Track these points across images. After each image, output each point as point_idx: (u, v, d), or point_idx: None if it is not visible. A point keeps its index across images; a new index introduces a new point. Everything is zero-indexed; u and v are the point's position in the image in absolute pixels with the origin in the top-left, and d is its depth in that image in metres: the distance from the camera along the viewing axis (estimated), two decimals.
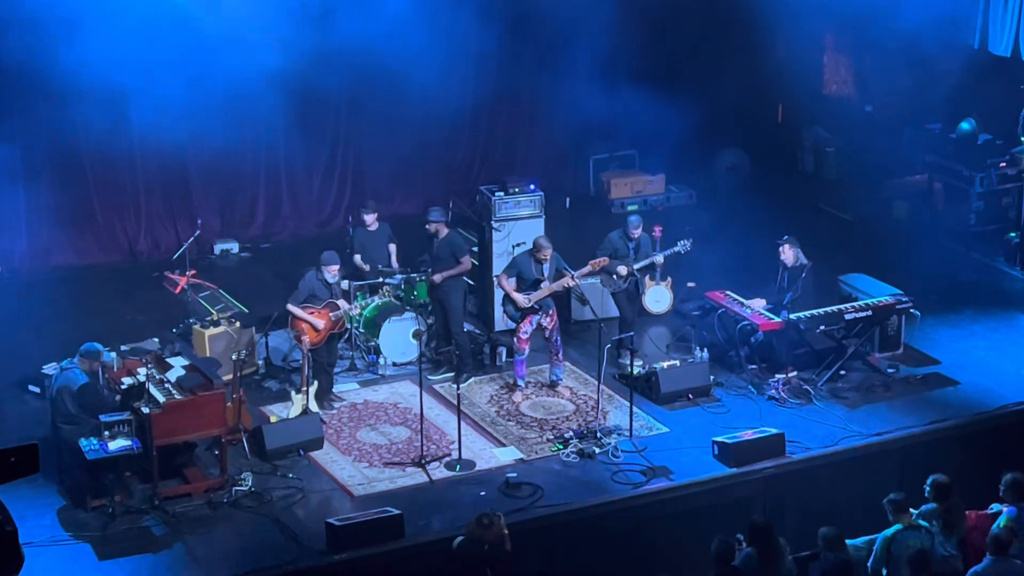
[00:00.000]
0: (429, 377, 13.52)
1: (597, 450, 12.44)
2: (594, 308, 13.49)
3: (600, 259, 13.77)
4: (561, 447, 12.54)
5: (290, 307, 13.05)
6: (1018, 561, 9.89)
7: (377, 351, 14.03)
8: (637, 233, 14.04)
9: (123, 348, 13.60)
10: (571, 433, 12.71)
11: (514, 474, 12.03)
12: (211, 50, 14.86)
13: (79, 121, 15.67)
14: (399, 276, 14.35)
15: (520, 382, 13.61)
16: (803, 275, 13.81)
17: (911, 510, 10.39)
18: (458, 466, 12.21)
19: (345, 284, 13.91)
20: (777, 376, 13.46)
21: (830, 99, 19.57)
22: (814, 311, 13.66)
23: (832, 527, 10.19)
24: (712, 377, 13.58)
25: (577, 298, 14.48)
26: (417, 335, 13.03)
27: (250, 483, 11.75)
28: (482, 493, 11.80)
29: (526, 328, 13.42)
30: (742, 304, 13.91)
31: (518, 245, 14.45)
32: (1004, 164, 17.13)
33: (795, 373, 13.51)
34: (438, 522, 11.34)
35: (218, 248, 16.98)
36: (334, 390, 13.49)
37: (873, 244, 16.67)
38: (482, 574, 9.86)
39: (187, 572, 10.76)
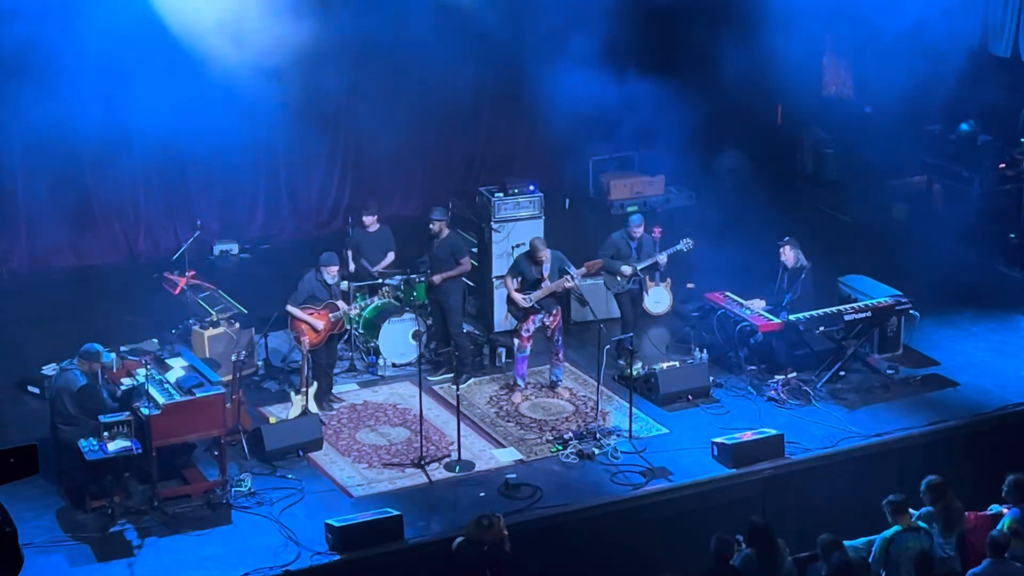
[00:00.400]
0: (428, 378, 13.51)
1: (596, 451, 12.45)
2: (594, 309, 13.49)
3: (595, 261, 13.77)
4: (560, 448, 12.54)
5: (289, 308, 13.05)
6: (1016, 563, 9.90)
7: (376, 352, 14.02)
8: (639, 233, 14.03)
9: (122, 349, 13.56)
10: (570, 434, 12.71)
11: (513, 475, 12.02)
12: (211, 49, 14.84)
13: (79, 121, 15.63)
14: (398, 277, 14.34)
15: (520, 381, 13.60)
16: (803, 276, 13.81)
17: (911, 512, 10.40)
18: (457, 467, 12.21)
19: (344, 285, 13.91)
20: (776, 377, 13.46)
21: (830, 100, 19.54)
22: (813, 312, 13.66)
23: (830, 534, 10.16)
24: (711, 378, 13.59)
25: (577, 299, 14.47)
26: (416, 336, 13.03)
27: (249, 484, 11.74)
28: (481, 494, 11.79)
29: (528, 327, 13.42)
30: (741, 305, 13.91)
31: (517, 246, 14.45)
32: (1003, 165, 17.13)
33: (794, 374, 13.51)
34: (438, 523, 11.33)
35: (217, 249, 16.97)
36: (333, 391, 13.49)
37: (873, 245, 16.67)
38: (481, 575, 9.87)
39: (187, 573, 10.74)
